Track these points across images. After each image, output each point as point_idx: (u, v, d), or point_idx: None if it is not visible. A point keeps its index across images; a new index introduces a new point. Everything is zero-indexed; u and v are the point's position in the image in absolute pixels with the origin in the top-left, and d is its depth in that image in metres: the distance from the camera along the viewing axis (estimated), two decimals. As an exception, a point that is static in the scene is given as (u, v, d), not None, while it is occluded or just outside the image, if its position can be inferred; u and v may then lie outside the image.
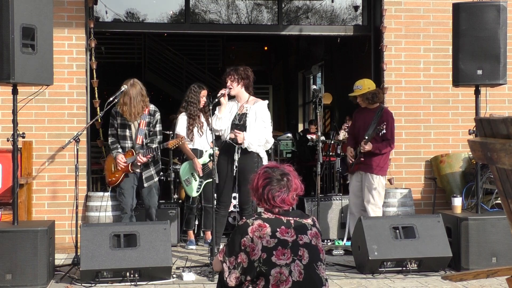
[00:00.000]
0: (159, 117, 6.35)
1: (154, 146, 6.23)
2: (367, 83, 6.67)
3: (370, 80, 6.82)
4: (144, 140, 6.27)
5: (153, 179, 6.37)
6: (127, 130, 6.27)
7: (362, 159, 6.52)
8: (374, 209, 6.55)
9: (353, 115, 7.04)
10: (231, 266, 3.11)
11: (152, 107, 6.31)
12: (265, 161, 5.96)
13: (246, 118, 5.93)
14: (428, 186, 7.48)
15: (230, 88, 5.90)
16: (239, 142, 5.80)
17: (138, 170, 6.31)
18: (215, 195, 6.00)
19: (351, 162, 6.68)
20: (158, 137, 6.34)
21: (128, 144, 6.28)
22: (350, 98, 6.80)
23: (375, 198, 6.55)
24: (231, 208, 7.30)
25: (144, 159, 6.18)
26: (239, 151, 5.88)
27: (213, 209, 5.90)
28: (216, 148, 6.07)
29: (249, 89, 6.03)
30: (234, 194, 6.56)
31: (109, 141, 6.37)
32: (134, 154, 6.22)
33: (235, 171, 5.89)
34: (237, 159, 5.87)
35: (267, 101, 6.13)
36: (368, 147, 6.44)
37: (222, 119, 5.89)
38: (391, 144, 6.59)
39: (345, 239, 7.06)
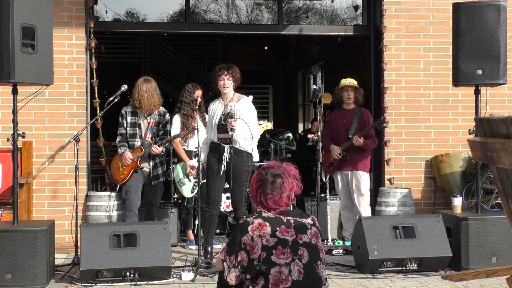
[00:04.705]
0: (168, 118, 6.52)
1: (168, 137, 6.35)
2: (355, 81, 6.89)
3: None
4: (153, 138, 6.36)
5: (160, 178, 6.47)
6: (137, 129, 6.38)
7: (347, 156, 6.67)
8: (366, 209, 6.65)
9: (328, 118, 7.17)
10: (231, 264, 3.11)
11: (162, 108, 6.46)
12: (256, 159, 6.00)
13: (230, 118, 5.90)
14: (428, 186, 7.48)
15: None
16: (235, 128, 5.76)
17: (145, 169, 6.37)
18: (208, 194, 6.04)
19: (332, 161, 6.77)
20: (168, 136, 6.43)
21: (137, 142, 6.39)
22: (336, 94, 6.89)
23: (364, 198, 6.70)
24: (232, 208, 7.31)
25: (160, 149, 6.28)
26: (228, 151, 5.85)
27: (200, 208, 5.96)
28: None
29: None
30: (228, 194, 6.55)
31: (117, 140, 6.46)
32: (143, 150, 6.28)
33: (222, 170, 5.87)
34: (225, 159, 5.84)
35: (251, 97, 6.09)
36: (361, 141, 6.57)
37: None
38: (375, 140, 6.79)
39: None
